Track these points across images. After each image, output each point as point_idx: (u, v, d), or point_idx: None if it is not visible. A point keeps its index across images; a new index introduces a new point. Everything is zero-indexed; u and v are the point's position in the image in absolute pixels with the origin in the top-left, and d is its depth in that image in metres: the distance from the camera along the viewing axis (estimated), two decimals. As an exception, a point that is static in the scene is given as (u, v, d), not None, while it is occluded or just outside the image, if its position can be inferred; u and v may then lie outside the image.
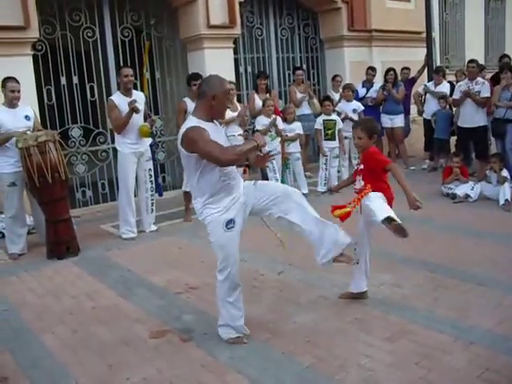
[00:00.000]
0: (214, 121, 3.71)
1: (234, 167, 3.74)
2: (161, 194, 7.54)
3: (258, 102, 8.58)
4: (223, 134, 3.87)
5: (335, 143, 8.59)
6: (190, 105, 7.19)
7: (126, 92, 6.53)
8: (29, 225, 6.67)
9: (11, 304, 4.79)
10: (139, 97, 6.70)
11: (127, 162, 6.57)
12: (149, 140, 6.83)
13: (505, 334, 3.65)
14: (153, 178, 6.88)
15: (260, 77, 8.94)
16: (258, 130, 8.07)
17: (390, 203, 4.14)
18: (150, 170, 6.81)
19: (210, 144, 3.42)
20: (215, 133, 3.58)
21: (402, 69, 10.62)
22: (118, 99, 6.50)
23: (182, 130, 3.55)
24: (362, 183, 4.19)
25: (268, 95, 8.78)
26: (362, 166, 4.28)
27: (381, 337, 3.73)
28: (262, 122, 8.02)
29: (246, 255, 5.62)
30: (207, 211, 3.65)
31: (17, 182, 6.09)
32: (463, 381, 3.15)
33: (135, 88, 7.06)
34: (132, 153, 6.57)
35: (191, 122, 3.56)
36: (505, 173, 7.44)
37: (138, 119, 6.52)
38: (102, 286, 5.10)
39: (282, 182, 8.36)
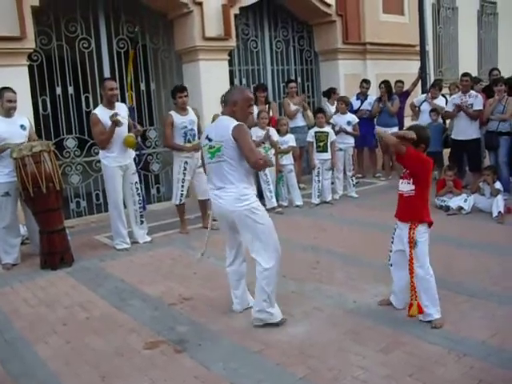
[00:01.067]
0: None
1: None
2: (144, 208, 7.48)
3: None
4: None
5: (327, 155, 8.59)
6: (177, 117, 7.18)
7: (110, 105, 6.47)
8: (22, 235, 6.66)
9: (4, 314, 4.76)
10: (122, 108, 6.66)
11: (114, 176, 6.55)
12: (133, 153, 6.82)
13: (498, 346, 3.66)
14: (140, 191, 6.86)
15: (259, 89, 8.97)
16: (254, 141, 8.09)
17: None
18: (136, 183, 6.79)
19: (254, 146, 4.02)
20: None
21: (396, 82, 10.70)
22: (102, 113, 6.42)
23: (230, 122, 3.97)
24: (411, 187, 4.16)
25: (267, 107, 8.80)
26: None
27: (375, 348, 3.73)
28: (256, 133, 8.03)
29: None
30: (253, 198, 4.08)
31: (11, 191, 6.08)
32: (457, 392, 3.15)
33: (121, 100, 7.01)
34: (118, 166, 6.54)
35: (234, 120, 4.00)
36: (498, 185, 7.48)
37: (122, 131, 6.48)
38: (95, 297, 5.08)
39: (276, 194, 8.39)
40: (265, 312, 4.12)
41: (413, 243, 4.08)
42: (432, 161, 4.23)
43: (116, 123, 6.28)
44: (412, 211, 4.15)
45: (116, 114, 6.32)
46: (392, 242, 4.35)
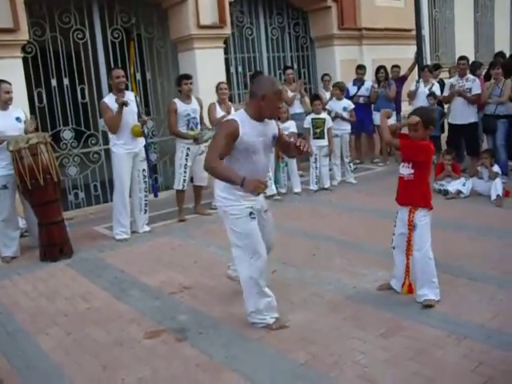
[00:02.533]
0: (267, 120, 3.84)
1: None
2: (156, 195, 7.57)
3: None
4: (267, 135, 3.87)
5: (324, 142, 8.57)
6: (180, 105, 7.23)
7: (119, 93, 6.51)
8: (21, 228, 6.66)
9: (5, 307, 4.77)
10: (130, 97, 6.69)
11: (122, 163, 6.57)
12: (143, 140, 6.83)
13: (498, 328, 3.67)
14: (147, 179, 6.88)
15: (255, 77, 8.93)
16: None
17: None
18: (144, 170, 6.81)
19: (216, 146, 3.67)
20: (255, 132, 3.74)
21: (392, 67, 10.65)
22: (110, 101, 6.49)
23: (228, 117, 3.96)
24: (410, 170, 4.16)
25: None
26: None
27: (375, 333, 3.75)
28: None
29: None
30: (231, 201, 3.83)
31: (8, 184, 6.06)
32: (457, 375, 3.17)
33: (127, 88, 7.04)
34: (127, 153, 6.57)
35: (239, 115, 3.79)
36: (496, 168, 7.49)
37: (131, 120, 6.53)
38: (95, 288, 5.09)
39: (275, 180, 8.38)
40: (253, 317, 4.00)
41: (412, 226, 4.10)
42: (432, 144, 4.23)
43: (123, 103, 6.31)
44: (411, 195, 4.16)
45: (122, 96, 6.37)
46: (395, 226, 4.36)
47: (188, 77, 7.38)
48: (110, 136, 6.64)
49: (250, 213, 3.79)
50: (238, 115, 3.78)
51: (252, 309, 3.94)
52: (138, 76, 9.03)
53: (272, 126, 3.92)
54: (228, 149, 3.69)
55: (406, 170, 4.18)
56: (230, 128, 3.66)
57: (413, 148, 4.10)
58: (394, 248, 4.38)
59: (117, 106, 6.35)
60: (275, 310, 3.99)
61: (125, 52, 8.71)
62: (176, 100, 7.34)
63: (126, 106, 6.38)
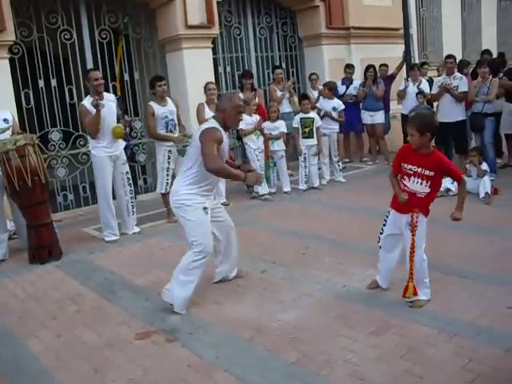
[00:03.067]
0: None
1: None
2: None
3: None
4: (228, 144, 4.61)
5: (313, 141, 8.58)
6: (157, 108, 7.17)
7: (97, 95, 6.40)
8: (10, 230, 6.62)
9: (-7, 310, 4.74)
10: (110, 98, 6.64)
11: (103, 166, 6.51)
12: (123, 143, 6.79)
13: (487, 326, 3.70)
14: (131, 181, 6.84)
15: (245, 76, 8.94)
16: (242, 130, 8.10)
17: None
18: (127, 173, 6.76)
19: (211, 150, 4.12)
20: (226, 140, 4.38)
21: (380, 65, 10.68)
22: (89, 104, 6.34)
23: (205, 126, 4.31)
24: (424, 188, 4.05)
25: (253, 94, 8.78)
26: (426, 172, 4.01)
27: (365, 331, 3.76)
28: (246, 121, 8.00)
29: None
30: (193, 197, 4.28)
31: (-4, 186, 6.03)
32: (448, 372, 3.18)
33: (108, 90, 6.96)
34: (107, 156, 6.51)
35: (214, 123, 4.30)
36: (484, 166, 7.53)
37: (110, 122, 6.46)
38: (85, 290, 5.07)
39: (266, 179, 8.39)
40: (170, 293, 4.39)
41: (414, 230, 4.08)
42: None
43: (97, 106, 6.20)
44: (416, 205, 4.10)
45: (97, 99, 6.26)
46: (384, 225, 4.36)
47: (161, 78, 7.32)
48: (90, 139, 6.59)
49: (204, 207, 4.32)
50: (215, 124, 4.30)
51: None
52: (126, 76, 9.01)
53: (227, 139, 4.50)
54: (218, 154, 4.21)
55: (419, 187, 4.06)
56: (218, 135, 4.19)
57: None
58: (380, 247, 4.40)
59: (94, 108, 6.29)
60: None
61: (112, 52, 8.69)
62: (152, 103, 7.25)
63: (102, 107, 6.25)
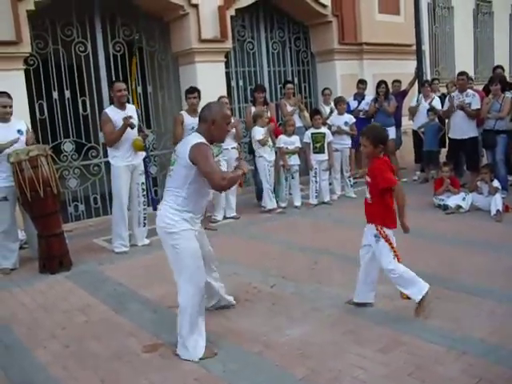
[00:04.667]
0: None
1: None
2: (155, 209, 7.54)
3: None
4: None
5: (324, 156, 8.60)
6: (187, 118, 7.34)
7: (120, 106, 6.54)
8: (21, 239, 6.65)
9: (3, 319, 4.75)
10: (132, 110, 6.73)
11: (121, 176, 6.57)
12: (142, 154, 6.84)
13: (497, 344, 3.66)
14: (145, 192, 6.88)
15: (257, 90, 8.97)
16: (258, 141, 8.13)
17: (392, 223, 4.26)
18: (142, 183, 6.81)
19: (214, 166, 3.73)
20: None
21: (393, 82, 10.71)
22: (112, 113, 6.51)
23: (192, 141, 3.73)
24: (369, 196, 4.30)
25: (265, 108, 8.81)
26: (368, 179, 4.30)
27: (374, 348, 3.73)
28: (260, 131, 8.06)
29: (239, 268, 5.65)
30: (183, 225, 3.82)
31: (9, 196, 6.07)
32: (456, 391, 3.15)
33: (128, 102, 7.07)
34: (125, 166, 6.57)
35: (199, 138, 3.77)
36: (496, 183, 7.50)
37: (131, 132, 6.53)
38: (94, 301, 5.08)
39: (276, 194, 8.40)
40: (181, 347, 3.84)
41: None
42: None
43: (130, 126, 6.35)
44: (371, 215, 4.39)
45: (130, 117, 6.39)
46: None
47: (192, 91, 7.48)
48: (109, 148, 6.65)
49: (194, 236, 3.89)
50: (200, 138, 3.79)
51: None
52: (139, 89, 9.06)
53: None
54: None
55: (368, 194, 4.38)
56: (209, 149, 3.76)
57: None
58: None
59: (121, 121, 6.37)
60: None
61: (126, 65, 8.77)
62: (183, 112, 7.57)
63: (132, 128, 6.42)
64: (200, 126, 3.89)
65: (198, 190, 3.83)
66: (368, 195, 4.32)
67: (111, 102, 6.95)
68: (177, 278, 3.88)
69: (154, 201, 7.48)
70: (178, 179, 3.80)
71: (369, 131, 4.31)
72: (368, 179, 4.28)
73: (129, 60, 8.81)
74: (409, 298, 4.25)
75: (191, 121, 7.36)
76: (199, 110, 7.35)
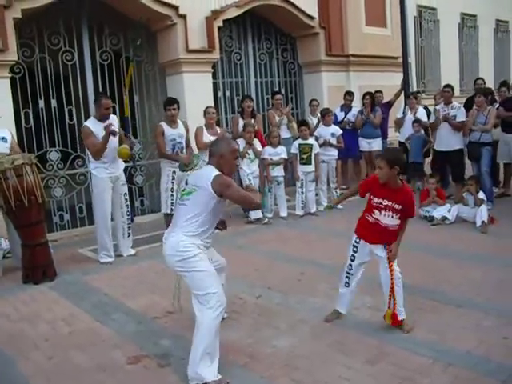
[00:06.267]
0: None
1: None
2: (131, 220, 7.46)
3: (242, 126, 8.62)
4: None
5: (311, 167, 8.61)
6: (167, 129, 7.28)
7: (103, 120, 6.46)
8: (4, 249, 6.59)
9: (-15, 330, 4.69)
10: (114, 120, 6.67)
11: (103, 186, 6.52)
12: (123, 164, 6.81)
13: (483, 356, 3.66)
14: (128, 202, 6.84)
15: (245, 99, 8.98)
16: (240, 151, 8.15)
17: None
18: (125, 194, 6.78)
19: (242, 192, 3.95)
20: None
21: (375, 92, 10.73)
22: (93, 125, 6.43)
23: (211, 173, 3.81)
24: (392, 221, 4.16)
25: (253, 119, 8.82)
26: (395, 205, 4.11)
27: (360, 360, 3.72)
28: (242, 145, 8.07)
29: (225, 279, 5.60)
30: (196, 248, 3.75)
31: (-7, 205, 6.01)
32: (442, 403, 3.15)
33: (114, 111, 7.03)
34: (108, 177, 6.53)
35: (215, 170, 3.85)
36: (481, 195, 7.55)
37: (114, 143, 6.48)
38: (78, 311, 5.02)
39: (262, 205, 8.39)
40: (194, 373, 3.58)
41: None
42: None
43: (112, 133, 6.28)
44: (389, 238, 4.24)
45: (111, 124, 6.34)
46: (355, 252, 4.41)
47: (171, 103, 7.39)
48: (91, 159, 6.60)
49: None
50: (216, 170, 3.84)
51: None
52: (126, 99, 9.03)
53: None
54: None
55: (390, 220, 4.16)
56: (229, 179, 3.90)
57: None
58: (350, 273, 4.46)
59: (102, 132, 6.30)
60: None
61: (113, 74, 8.74)
62: (163, 123, 7.43)
63: (115, 135, 6.36)
64: (210, 159, 4.01)
65: (217, 214, 3.92)
66: (387, 219, 4.15)
67: (86, 113, 6.87)
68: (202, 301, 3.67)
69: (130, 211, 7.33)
70: (196, 209, 3.78)
71: (385, 153, 4.31)
72: (396, 206, 4.12)
73: (116, 69, 8.79)
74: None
75: (171, 132, 7.33)
76: (179, 121, 7.40)
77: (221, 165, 3.90)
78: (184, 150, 7.41)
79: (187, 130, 7.57)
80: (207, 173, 3.86)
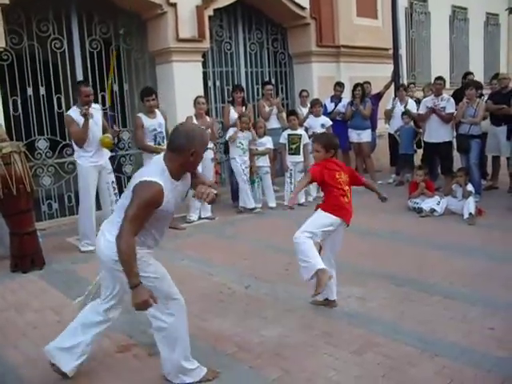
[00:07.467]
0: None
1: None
2: None
3: (233, 115, 8.60)
4: (180, 192, 3.29)
5: (300, 158, 8.63)
6: (146, 120, 7.21)
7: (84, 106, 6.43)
8: (-8, 238, 6.55)
9: (-27, 318, 4.67)
10: (96, 109, 6.65)
11: (88, 176, 6.51)
12: (108, 153, 6.80)
13: (470, 346, 3.70)
14: (117, 191, 6.81)
15: (236, 90, 8.96)
16: (227, 139, 8.22)
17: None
18: (112, 182, 6.75)
19: (140, 215, 3.00)
20: (175, 194, 3.20)
21: (364, 82, 10.72)
22: (75, 114, 6.40)
23: (146, 176, 3.05)
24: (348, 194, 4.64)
25: (244, 108, 8.80)
26: (346, 178, 4.56)
27: (348, 349, 3.75)
28: (230, 131, 8.11)
29: (213, 269, 5.63)
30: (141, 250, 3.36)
31: (-20, 194, 5.97)
32: (429, 393, 3.18)
33: (101, 100, 6.99)
34: (93, 166, 6.51)
35: (160, 175, 3.07)
36: (470, 187, 7.59)
37: (96, 132, 6.47)
38: (67, 300, 4.99)
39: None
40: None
41: None
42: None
43: (86, 115, 6.23)
44: None
45: (86, 109, 6.28)
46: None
47: (149, 93, 7.31)
48: (76, 148, 6.58)
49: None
50: (160, 175, 3.05)
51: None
52: (116, 87, 8.99)
53: (187, 180, 3.38)
54: (147, 220, 3.11)
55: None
56: (156, 195, 3.01)
57: None
58: None
59: (82, 119, 6.29)
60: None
61: (102, 62, 8.69)
62: (141, 115, 7.32)
63: (91, 118, 6.32)
64: (174, 157, 3.11)
65: (152, 227, 3.36)
66: (348, 194, 4.57)
67: (75, 102, 6.82)
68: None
69: None
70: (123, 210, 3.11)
71: (320, 137, 4.67)
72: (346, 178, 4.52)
73: (105, 57, 8.73)
74: None
75: (150, 123, 7.25)
76: (156, 110, 7.31)
77: (187, 164, 3.15)
78: (165, 140, 7.28)
79: (166, 119, 7.50)
80: (143, 175, 3.10)
